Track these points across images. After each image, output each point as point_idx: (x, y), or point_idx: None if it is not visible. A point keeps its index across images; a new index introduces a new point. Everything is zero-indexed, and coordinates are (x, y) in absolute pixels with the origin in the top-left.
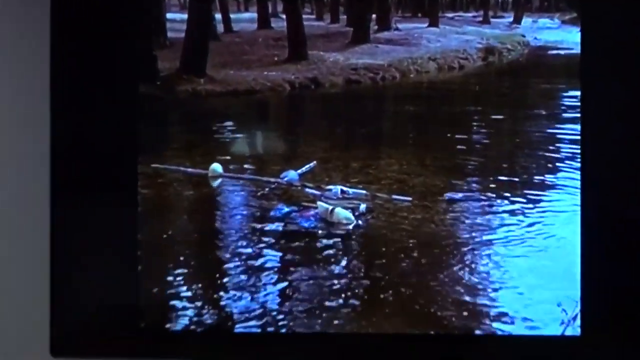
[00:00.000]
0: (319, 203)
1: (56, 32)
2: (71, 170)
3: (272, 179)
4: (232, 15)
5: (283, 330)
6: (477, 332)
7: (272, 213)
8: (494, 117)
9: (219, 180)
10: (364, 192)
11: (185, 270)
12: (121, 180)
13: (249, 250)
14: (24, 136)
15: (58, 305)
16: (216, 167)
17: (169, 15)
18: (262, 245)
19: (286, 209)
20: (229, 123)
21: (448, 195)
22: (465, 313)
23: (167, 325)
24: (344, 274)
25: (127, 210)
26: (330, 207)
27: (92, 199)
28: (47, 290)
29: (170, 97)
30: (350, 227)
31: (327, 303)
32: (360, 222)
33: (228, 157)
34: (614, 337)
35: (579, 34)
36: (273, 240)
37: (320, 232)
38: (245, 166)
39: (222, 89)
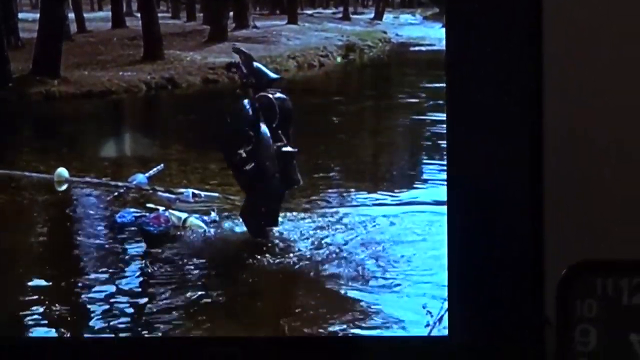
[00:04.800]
0: (171, 212)
1: None
2: None
3: (120, 183)
4: (85, 15)
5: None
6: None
7: (117, 219)
8: (354, 109)
9: (66, 185)
10: (216, 194)
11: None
12: None
13: (102, 257)
14: None
15: None
16: (62, 171)
17: (20, 15)
18: (114, 250)
19: (131, 216)
20: (83, 125)
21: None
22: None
23: (21, 334)
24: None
25: None
26: (184, 217)
27: None
28: None
29: (23, 99)
30: (203, 233)
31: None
32: (212, 230)
33: (80, 161)
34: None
35: (442, 29)
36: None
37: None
38: (100, 170)
39: (76, 90)
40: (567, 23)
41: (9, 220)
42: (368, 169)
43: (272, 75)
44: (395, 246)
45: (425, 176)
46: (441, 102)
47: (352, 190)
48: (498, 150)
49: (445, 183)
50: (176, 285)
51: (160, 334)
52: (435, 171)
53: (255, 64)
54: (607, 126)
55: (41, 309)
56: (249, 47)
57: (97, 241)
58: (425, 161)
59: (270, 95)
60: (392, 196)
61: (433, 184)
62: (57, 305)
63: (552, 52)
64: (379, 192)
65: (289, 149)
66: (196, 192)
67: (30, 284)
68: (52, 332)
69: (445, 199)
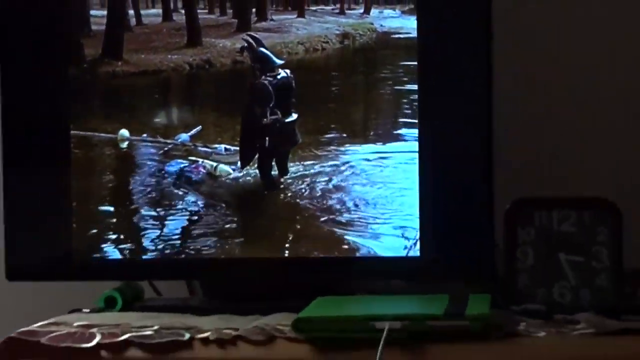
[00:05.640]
0: (205, 162)
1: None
2: (19, 140)
3: (169, 141)
4: (142, 11)
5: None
6: (334, 255)
7: (167, 167)
8: (348, 82)
9: (127, 142)
10: None
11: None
12: (57, 143)
13: (155, 197)
14: None
15: (11, 243)
16: (124, 132)
17: (92, 12)
18: (165, 191)
19: (177, 166)
20: (140, 97)
21: None
22: (328, 241)
23: (95, 255)
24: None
25: (62, 167)
26: (215, 164)
27: (35, 160)
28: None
29: (94, 77)
30: (231, 177)
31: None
32: (238, 175)
33: (138, 124)
34: (446, 258)
35: (416, 21)
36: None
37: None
38: (153, 130)
39: (135, 69)
40: (513, 17)
41: (84, 168)
42: (359, 126)
43: (277, 61)
44: (378, 186)
45: (402, 131)
46: (414, 76)
47: (346, 143)
48: (459, 113)
49: (417, 137)
50: (210, 215)
51: (196, 255)
52: (410, 128)
53: (262, 49)
54: (551, 78)
55: (110, 236)
56: (267, 35)
57: (151, 184)
58: (402, 120)
59: (266, 82)
60: (377, 146)
61: (408, 137)
62: (121, 233)
63: (501, 39)
64: (367, 144)
65: (290, 119)
66: (227, 147)
67: (101, 215)
68: (117, 254)
69: (417, 149)
